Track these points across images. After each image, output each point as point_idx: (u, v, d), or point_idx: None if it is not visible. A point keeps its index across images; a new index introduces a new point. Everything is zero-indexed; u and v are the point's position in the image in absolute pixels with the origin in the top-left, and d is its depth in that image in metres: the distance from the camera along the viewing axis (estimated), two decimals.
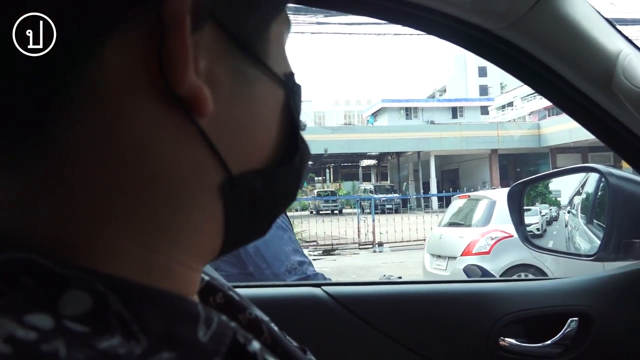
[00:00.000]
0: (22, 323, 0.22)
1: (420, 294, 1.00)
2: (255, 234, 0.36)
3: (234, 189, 0.31)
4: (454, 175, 29.86)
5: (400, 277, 1.51)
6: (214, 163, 0.30)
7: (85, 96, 0.26)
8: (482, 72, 46.37)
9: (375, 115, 37.45)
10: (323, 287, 0.98)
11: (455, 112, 36.86)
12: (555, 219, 1.60)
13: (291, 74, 0.35)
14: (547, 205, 1.62)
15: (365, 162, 34.32)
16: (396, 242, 10.76)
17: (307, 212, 21.60)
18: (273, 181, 0.34)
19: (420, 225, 11.18)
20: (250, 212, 0.33)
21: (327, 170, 34.69)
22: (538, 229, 1.54)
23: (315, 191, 25.54)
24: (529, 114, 35.36)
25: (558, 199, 1.60)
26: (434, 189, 24.49)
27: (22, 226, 0.27)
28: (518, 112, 38.00)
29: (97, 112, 0.26)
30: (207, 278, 0.41)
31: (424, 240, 11.07)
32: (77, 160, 0.27)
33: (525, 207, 1.29)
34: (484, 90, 46.49)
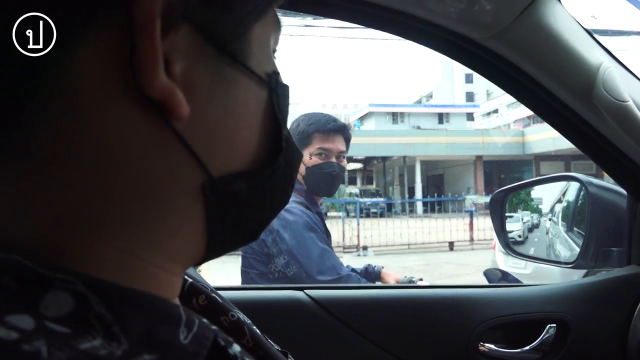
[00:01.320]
0: (3, 323, 0.22)
1: (403, 298, 1.01)
2: (243, 239, 0.36)
3: (216, 192, 0.31)
4: (439, 181, 30.04)
5: (421, 280, 1.53)
6: (193, 166, 0.30)
7: (58, 99, 0.26)
8: (469, 78, 46.81)
9: (362, 119, 37.57)
10: (306, 291, 0.98)
11: (441, 117, 37.12)
12: (537, 226, 1.62)
13: (275, 74, 0.35)
14: (529, 213, 1.64)
15: (351, 166, 34.38)
16: (380, 246, 10.80)
17: None
18: (258, 183, 0.34)
19: (405, 230, 11.24)
20: (235, 216, 0.33)
21: None
22: (519, 236, 1.56)
23: None
24: (514, 122, 35.76)
25: (540, 206, 1.63)
26: (419, 194, 24.60)
27: (1, 228, 0.27)
28: (503, 120, 38.40)
29: (71, 116, 0.26)
30: (190, 280, 0.41)
31: (408, 245, 11.19)
32: (52, 164, 0.27)
33: (507, 214, 1.31)
34: (470, 96, 46.91)
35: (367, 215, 12.33)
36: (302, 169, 1.60)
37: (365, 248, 10.72)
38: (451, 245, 11.16)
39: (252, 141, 0.33)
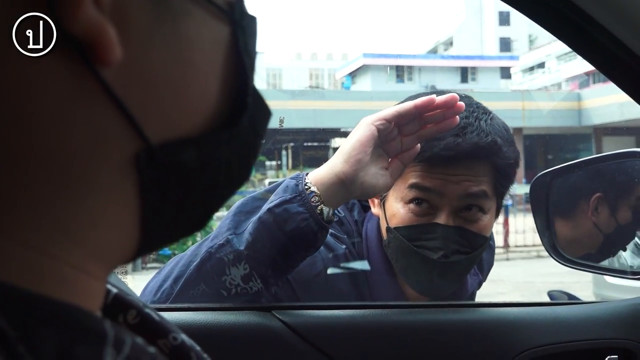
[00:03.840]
0: None
1: (409, 322, 1.03)
2: (188, 227, 0.37)
3: (154, 165, 0.32)
4: None
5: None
6: (124, 129, 0.31)
7: None
8: (504, 19, 46.90)
9: (353, 75, 37.23)
10: (275, 312, 0.99)
11: (465, 74, 37.17)
12: None
13: (239, 2, 0.35)
14: None
15: (338, 142, 34.06)
16: None
17: None
18: (212, 152, 0.35)
19: None
20: (178, 196, 0.34)
21: (284, 152, 34.22)
22: None
23: (267, 181, 25.15)
24: (567, 80, 36.03)
25: None
26: None
27: None
28: (552, 77, 38.66)
29: None
30: (114, 290, 0.41)
31: None
32: None
33: (555, 207, 1.32)
34: (505, 44, 47.10)
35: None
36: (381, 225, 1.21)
37: None
38: None
39: (206, 96, 0.34)
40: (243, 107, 0.35)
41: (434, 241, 1.11)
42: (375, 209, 1.25)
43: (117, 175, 0.31)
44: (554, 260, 1.26)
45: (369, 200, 1.27)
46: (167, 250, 10.27)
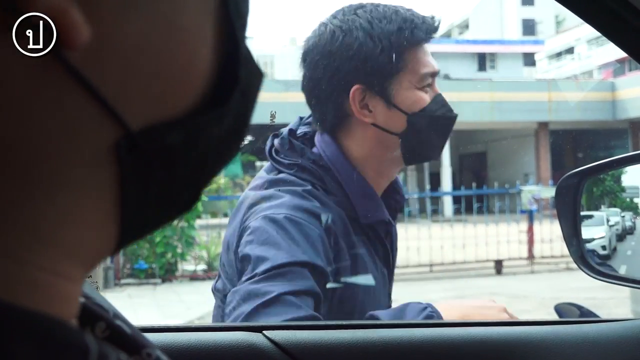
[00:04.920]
0: None
1: (415, 341, 1.04)
2: (172, 212, 0.38)
3: (136, 153, 0.32)
4: (479, 163, 30.13)
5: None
6: (100, 116, 0.31)
7: None
8: None
9: None
10: (265, 332, 1.01)
11: (483, 61, 37.18)
12: (631, 231, 1.65)
13: None
14: (619, 211, 1.67)
15: None
16: None
17: None
18: (201, 133, 0.35)
19: (425, 242, 11.25)
20: (163, 183, 0.35)
21: None
22: (604, 247, 1.58)
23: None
24: (599, 68, 35.97)
25: (636, 200, 1.65)
26: (447, 183, 24.63)
27: None
28: (582, 64, 38.63)
29: None
30: (81, 300, 0.42)
31: (429, 265, 11.06)
32: None
33: (583, 213, 1.33)
34: (529, 27, 46.99)
35: None
36: (398, 121, 1.46)
37: None
38: (499, 266, 11.23)
39: (193, 67, 0.34)
40: (235, 79, 0.36)
41: (445, 106, 1.50)
42: (368, 118, 1.46)
43: (92, 167, 0.32)
44: (584, 273, 1.26)
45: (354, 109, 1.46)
46: (143, 264, 10.23)
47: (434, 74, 1.49)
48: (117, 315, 0.43)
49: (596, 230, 1.44)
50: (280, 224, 1.33)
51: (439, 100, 1.49)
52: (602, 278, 1.26)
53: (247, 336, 0.99)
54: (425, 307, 1.27)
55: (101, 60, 0.31)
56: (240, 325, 1.03)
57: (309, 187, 1.43)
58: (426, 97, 1.46)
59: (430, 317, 1.24)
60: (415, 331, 1.08)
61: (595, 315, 1.69)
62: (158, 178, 0.34)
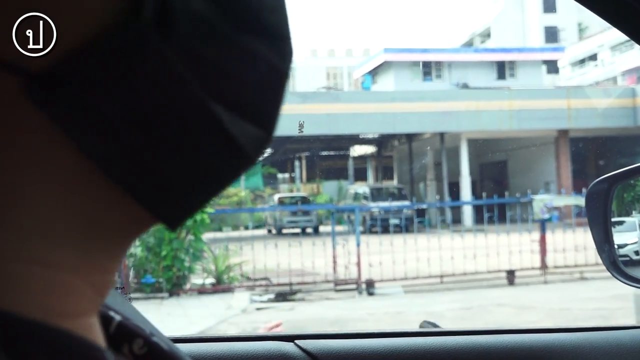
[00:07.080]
0: None
1: (443, 349, 1.04)
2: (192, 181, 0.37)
3: (58, 94, 0.31)
4: (499, 172, 30.00)
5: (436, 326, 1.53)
6: None
7: None
8: (549, 6, 46.26)
9: (374, 73, 36.85)
10: (297, 342, 1.01)
11: (502, 69, 36.68)
12: None
13: None
14: None
15: (357, 150, 33.93)
16: (396, 279, 10.63)
17: (262, 232, 21.55)
18: (142, 57, 0.32)
19: (446, 252, 11.13)
20: (132, 127, 0.33)
21: (297, 163, 33.92)
22: (637, 252, 1.56)
23: (277, 197, 25.05)
24: (623, 74, 35.60)
25: None
26: (467, 193, 24.53)
27: None
28: (606, 71, 38.28)
29: None
30: (118, 318, 0.43)
31: (440, 277, 10.86)
32: None
33: (614, 219, 1.32)
34: (552, 34, 46.42)
35: (386, 230, 12.19)
36: None
37: (370, 284, 10.60)
38: (511, 277, 11.23)
39: None
40: None
41: None
42: None
43: (24, 131, 0.32)
44: (615, 279, 1.24)
45: None
46: (150, 279, 10.15)
47: None
48: (154, 333, 0.44)
49: (628, 235, 1.42)
50: None
51: None
52: (634, 284, 1.25)
53: (279, 345, 1.00)
54: None
55: None
56: (272, 335, 1.04)
57: None
58: None
59: None
60: (446, 339, 1.07)
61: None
62: (117, 120, 0.32)
